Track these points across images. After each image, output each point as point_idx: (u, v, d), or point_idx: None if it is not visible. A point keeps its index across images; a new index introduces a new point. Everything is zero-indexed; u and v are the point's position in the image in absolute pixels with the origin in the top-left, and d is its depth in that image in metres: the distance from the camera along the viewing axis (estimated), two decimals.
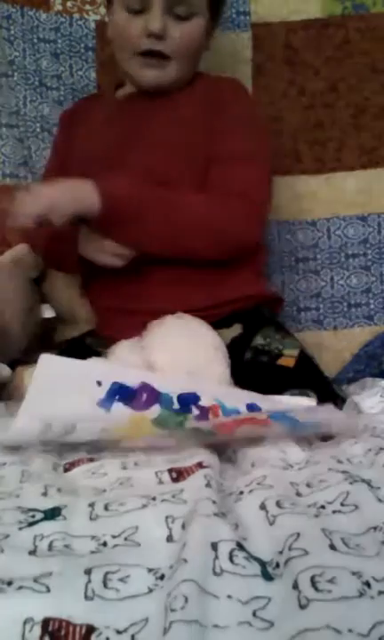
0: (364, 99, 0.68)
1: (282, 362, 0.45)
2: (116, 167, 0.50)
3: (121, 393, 0.36)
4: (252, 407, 0.38)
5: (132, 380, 0.37)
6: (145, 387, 0.37)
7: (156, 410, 0.36)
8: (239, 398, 0.39)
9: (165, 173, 0.49)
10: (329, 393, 0.43)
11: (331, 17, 0.67)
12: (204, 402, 0.37)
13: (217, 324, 0.47)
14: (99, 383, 0.37)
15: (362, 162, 0.67)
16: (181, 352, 0.41)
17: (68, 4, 0.65)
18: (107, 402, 0.36)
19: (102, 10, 0.66)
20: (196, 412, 0.36)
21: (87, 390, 0.37)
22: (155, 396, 0.36)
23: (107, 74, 0.67)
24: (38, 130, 0.65)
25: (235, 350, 0.45)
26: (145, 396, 0.36)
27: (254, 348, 0.46)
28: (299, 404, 0.39)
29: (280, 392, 0.41)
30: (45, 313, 0.59)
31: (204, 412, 0.36)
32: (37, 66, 0.65)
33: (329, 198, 0.67)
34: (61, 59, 0.66)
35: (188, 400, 0.37)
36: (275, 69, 0.67)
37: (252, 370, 0.44)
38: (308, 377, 0.44)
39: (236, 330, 0.48)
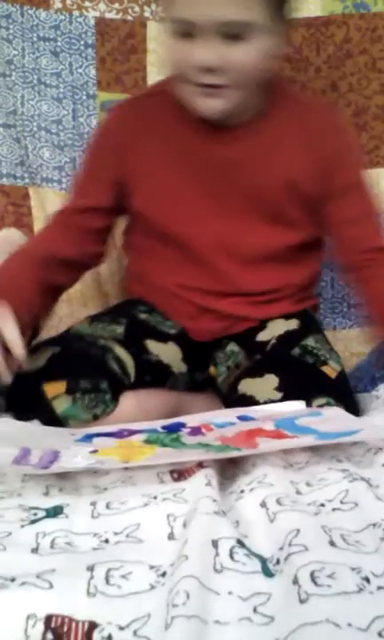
0: (365, 98, 0.67)
1: (325, 369, 0.44)
2: (220, 212, 0.45)
3: (98, 435, 0.35)
4: (244, 418, 0.36)
5: (107, 430, 0.36)
6: (123, 429, 0.35)
7: (141, 436, 0.34)
8: (227, 414, 0.38)
9: (283, 211, 0.46)
10: (355, 411, 0.42)
11: (331, 15, 0.66)
12: (190, 425, 0.36)
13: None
14: (71, 434, 0.36)
15: (362, 162, 0.67)
16: None
17: (68, 1, 0.65)
18: (85, 438, 0.34)
19: (101, 6, 0.65)
20: (186, 430, 0.35)
21: (60, 434, 0.36)
22: (135, 431, 0.35)
23: (106, 70, 0.66)
24: (35, 129, 0.65)
25: (285, 343, 0.46)
26: (125, 432, 0.35)
27: (304, 347, 0.45)
28: (288, 408, 0.38)
29: (312, 395, 0.41)
30: None
31: (196, 430, 0.35)
32: (37, 64, 0.65)
33: None
34: (61, 57, 0.65)
35: (173, 426, 0.36)
36: (275, 67, 0.67)
37: (295, 366, 0.44)
38: (343, 392, 0.43)
39: (292, 324, 0.48)
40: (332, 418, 0.36)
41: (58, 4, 0.65)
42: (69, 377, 0.41)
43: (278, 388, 0.42)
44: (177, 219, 0.47)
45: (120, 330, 0.47)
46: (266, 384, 0.42)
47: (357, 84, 0.67)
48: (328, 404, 0.41)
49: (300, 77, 0.67)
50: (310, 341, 0.47)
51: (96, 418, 0.41)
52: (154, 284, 0.50)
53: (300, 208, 0.47)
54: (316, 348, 0.46)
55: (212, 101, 0.41)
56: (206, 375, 0.51)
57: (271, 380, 0.42)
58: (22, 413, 0.41)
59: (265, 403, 0.41)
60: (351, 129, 0.66)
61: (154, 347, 0.47)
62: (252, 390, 0.43)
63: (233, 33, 0.38)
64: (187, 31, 0.38)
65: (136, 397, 0.44)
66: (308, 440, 0.32)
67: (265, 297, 0.49)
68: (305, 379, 0.43)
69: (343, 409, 0.41)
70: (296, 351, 0.45)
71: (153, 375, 0.47)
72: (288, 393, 0.41)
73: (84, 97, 0.67)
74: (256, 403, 0.41)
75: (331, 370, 0.45)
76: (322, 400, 0.41)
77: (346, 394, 0.44)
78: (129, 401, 0.43)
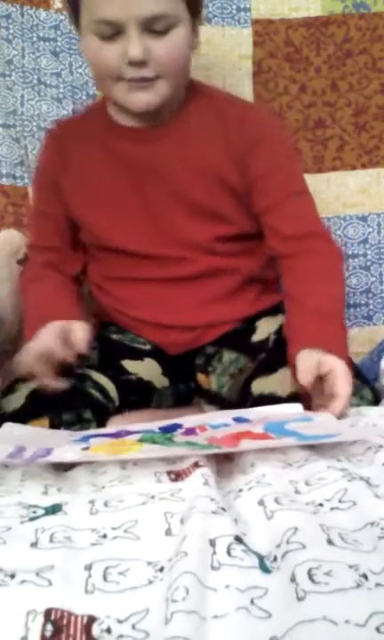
0: (365, 98, 0.68)
1: None
2: (151, 208, 0.47)
3: (95, 436, 0.36)
4: (239, 419, 0.37)
5: (105, 431, 0.37)
6: (121, 430, 0.36)
7: (136, 436, 0.35)
8: (224, 415, 0.39)
9: (210, 205, 0.47)
10: (374, 391, 0.43)
11: (331, 15, 0.67)
12: (187, 426, 0.36)
13: (260, 314, 0.49)
14: (70, 435, 0.37)
15: (362, 161, 0.67)
16: None
17: None
18: (82, 439, 0.35)
19: None
20: (181, 430, 0.36)
21: (59, 435, 0.37)
22: (133, 431, 0.36)
23: None
24: (35, 129, 0.65)
25: (282, 338, 0.46)
26: (123, 433, 0.35)
27: None
28: (284, 411, 0.38)
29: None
30: None
31: (191, 430, 0.36)
32: (36, 64, 0.65)
33: (329, 198, 0.67)
34: (61, 57, 0.66)
35: (169, 427, 0.36)
36: (275, 66, 0.67)
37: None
38: (357, 371, 0.44)
39: (280, 319, 0.49)
40: (322, 423, 0.36)
41: (58, 4, 0.65)
42: (51, 412, 0.41)
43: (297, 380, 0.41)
44: (112, 222, 0.48)
45: (94, 355, 0.46)
46: (282, 378, 0.42)
47: (357, 83, 0.67)
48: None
49: (300, 77, 0.67)
50: None
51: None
52: (110, 306, 0.51)
53: (227, 200, 0.48)
54: None
55: (144, 95, 0.44)
56: (191, 385, 0.51)
57: (287, 374, 0.42)
58: None
59: (288, 397, 0.40)
60: (351, 128, 0.67)
61: (131, 366, 0.47)
62: (269, 388, 0.42)
63: (156, 28, 0.41)
64: (110, 32, 0.41)
65: (122, 421, 0.44)
66: (288, 441, 0.32)
67: (214, 293, 0.49)
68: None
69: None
70: None
71: (137, 395, 0.47)
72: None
73: (84, 97, 0.67)
74: (278, 399, 0.41)
75: None
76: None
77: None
78: (116, 426, 0.43)
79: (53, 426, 0.40)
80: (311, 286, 0.44)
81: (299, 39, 0.67)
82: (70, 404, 0.42)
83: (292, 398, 0.40)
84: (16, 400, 0.42)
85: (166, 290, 0.49)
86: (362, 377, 0.44)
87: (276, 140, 0.49)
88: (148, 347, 0.50)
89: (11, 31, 0.64)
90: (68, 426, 0.41)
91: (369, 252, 0.67)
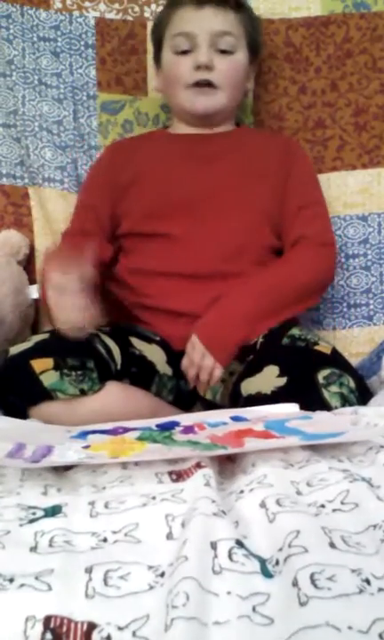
0: (365, 98, 0.68)
1: (319, 348, 0.47)
2: (203, 199, 0.55)
3: (93, 432, 0.36)
4: (237, 419, 0.37)
5: (103, 427, 0.37)
6: (118, 427, 0.36)
7: (135, 433, 0.34)
8: (221, 414, 0.39)
9: (253, 199, 0.55)
10: (361, 382, 0.44)
11: (332, 15, 0.67)
12: (184, 424, 0.36)
13: None
14: (67, 430, 0.37)
15: (362, 161, 0.67)
16: None
17: (68, 1, 0.65)
18: (81, 435, 0.35)
19: (101, 6, 0.66)
20: (179, 428, 0.35)
21: (56, 431, 0.37)
22: (130, 428, 0.36)
23: (106, 70, 0.67)
24: (37, 129, 0.65)
25: (272, 337, 0.49)
26: (120, 430, 0.35)
27: (291, 336, 0.48)
28: (281, 410, 0.38)
29: (316, 369, 0.42)
30: (34, 294, 0.60)
31: (189, 428, 0.35)
32: (37, 64, 0.65)
33: (330, 198, 0.67)
34: (61, 57, 0.66)
35: (167, 425, 0.36)
36: (275, 67, 0.67)
37: (289, 352, 0.46)
38: (343, 364, 0.45)
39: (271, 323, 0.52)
40: (321, 421, 0.36)
41: (58, 4, 0.65)
42: (56, 355, 0.43)
43: (280, 375, 0.43)
44: (153, 206, 0.56)
45: (105, 328, 0.50)
46: (267, 375, 0.43)
47: (357, 83, 0.67)
48: (333, 374, 0.42)
49: (300, 77, 0.67)
50: (295, 331, 0.49)
51: (83, 393, 0.43)
52: (127, 300, 0.55)
53: (264, 191, 0.56)
54: (302, 335, 0.49)
55: (205, 99, 0.56)
56: (192, 388, 0.52)
57: (271, 370, 0.44)
58: (11, 408, 0.42)
59: (272, 392, 0.41)
60: (351, 128, 0.67)
61: (138, 344, 0.51)
62: (256, 387, 0.43)
63: (221, 47, 0.55)
64: (185, 46, 0.55)
65: (122, 388, 0.46)
66: (293, 440, 0.32)
67: (223, 293, 0.51)
68: (303, 359, 0.45)
69: (349, 378, 0.42)
70: (285, 341, 0.48)
71: (139, 368, 0.49)
72: (291, 375, 0.42)
73: (85, 97, 0.67)
74: (264, 397, 0.42)
75: (324, 348, 0.48)
76: (326, 371, 0.43)
77: (347, 365, 0.46)
78: (115, 389, 0.45)
79: (57, 367, 0.42)
80: (269, 270, 0.52)
81: (299, 39, 0.67)
82: (76, 351, 0.44)
83: (276, 394, 0.41)
84: (23, 346, 0.45)
85: (182, 284, 0.53)
86: (343, 366, 0.45)
87: (309, 160, 0.63)
88: (156, 338, 0.53)
89: (11, 31, 0.64)
90: (71, 370, 0.42)
91: (369, 252, 0.67)
